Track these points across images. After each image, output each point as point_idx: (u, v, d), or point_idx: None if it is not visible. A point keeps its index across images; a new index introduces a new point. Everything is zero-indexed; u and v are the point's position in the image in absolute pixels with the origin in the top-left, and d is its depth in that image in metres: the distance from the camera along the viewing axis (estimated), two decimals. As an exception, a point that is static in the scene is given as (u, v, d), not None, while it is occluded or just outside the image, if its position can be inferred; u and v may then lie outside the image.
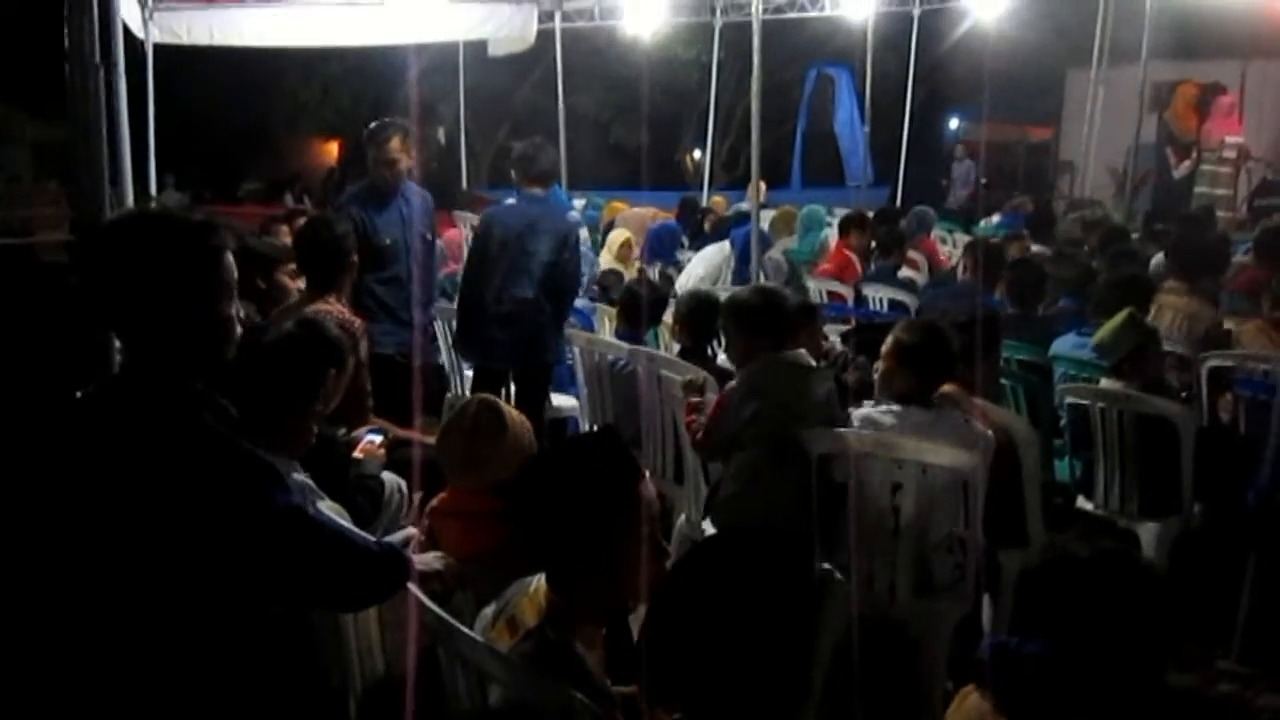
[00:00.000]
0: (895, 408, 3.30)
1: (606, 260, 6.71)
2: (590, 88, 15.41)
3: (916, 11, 12.72)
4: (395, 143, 4.59)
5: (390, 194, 4.60)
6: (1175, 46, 12.77)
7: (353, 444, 3.10)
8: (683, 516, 3.71)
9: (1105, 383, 4.00)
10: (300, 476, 2.41)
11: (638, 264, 6.79)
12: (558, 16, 11.37)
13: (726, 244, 6.73)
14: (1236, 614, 3.75)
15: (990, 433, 3.28)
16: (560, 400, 5.08)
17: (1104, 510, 3.96)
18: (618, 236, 6.86)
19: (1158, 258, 6.86)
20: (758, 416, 3.29)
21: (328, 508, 2.30)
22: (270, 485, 1.84)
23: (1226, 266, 5.90)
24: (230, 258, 1.88)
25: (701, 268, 6.63)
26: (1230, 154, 11.93)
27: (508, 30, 10.32)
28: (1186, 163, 12.55)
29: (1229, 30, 12.77)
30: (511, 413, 2.50)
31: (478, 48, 11.57)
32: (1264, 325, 4.65)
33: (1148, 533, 3.82)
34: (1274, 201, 10.56)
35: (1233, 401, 4.51)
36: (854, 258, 6.99)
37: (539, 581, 1.87)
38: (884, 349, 3.39)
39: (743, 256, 6.42)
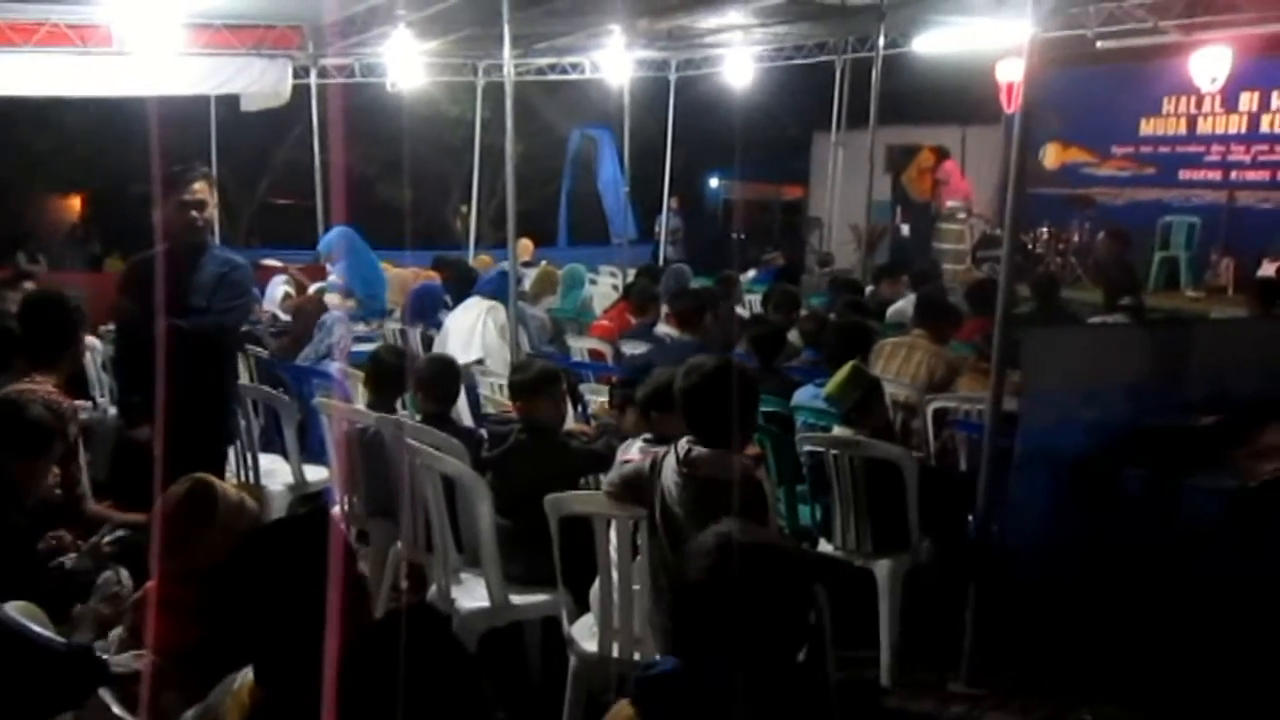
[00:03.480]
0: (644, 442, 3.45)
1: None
2: (355, 144, 15.16)
3: (673, 77, 13.34)
4: (200, 185, 4.06)
5: (187, 256, 4.04)
6: (906, 112, 13.99)
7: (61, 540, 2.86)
8: (434, 586, 3.65)
9: (838, 430, 4.25)
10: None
11: (396, 327, 6.68)
12: (313, 73, 11.16)
13: (477, 298, 6.71)
14: (963, 639, 4.05)
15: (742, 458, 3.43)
16: (313, 472, 4.90)
17: (842, 551, 4.19)
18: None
19: (895, 306, 7.42)
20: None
21: (16, 608, 2.11)
22: None
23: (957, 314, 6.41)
24: None
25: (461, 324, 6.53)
26: (962, 214, 13.15)
27: (259, 86, 10.09)
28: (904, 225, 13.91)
29: (950, 98, 14.13)
30: (228, 493, 2.37)
31: (232, 101, 11.21)
32: (974, 373, 5.09)
33: (882, 569, 4.07)
34: (993, 254, 11.60)
35: (954, 440, 4.91)
36: (632, 319, 7.11)
37: (244, 677, 1.77)
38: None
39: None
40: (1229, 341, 5.62)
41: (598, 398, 5.20)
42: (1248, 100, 12.42)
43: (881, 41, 9.91)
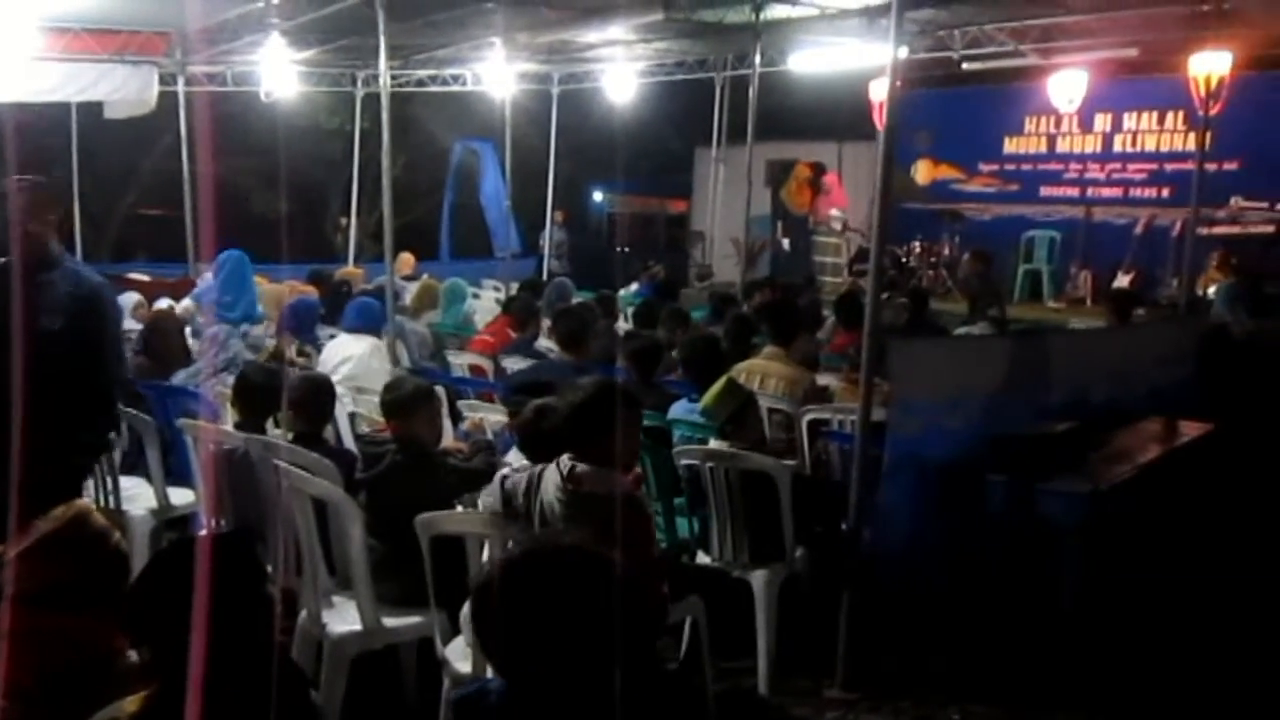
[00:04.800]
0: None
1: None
2: (229, 154, 14.71)
3: (555, 90, 13.36)
4: (41, 198, 3.77)
5: (30, 274, 3.67)
6: (785, 128, 14.31)
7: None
8: (305, 611, 3.55)
9: (714, 443, 4.30)
10: None
11: (273, 343, 6.47)
12: (180, 80, 10.78)
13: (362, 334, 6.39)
14: (838, 645, 4.14)
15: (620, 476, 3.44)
16: (179, 495, 4.72)
17: (719, 562, 4.23)
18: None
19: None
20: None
21: None
22: None
23: (818, 328, 6.54)
24: None
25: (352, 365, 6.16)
26: (837, 225, 13.50)
27: (123, 93, 9.76)
28: (785, 240, 14.23)
29: (827, 115, 14.54)
30: (103, 523, 2.26)
31: (96, 108, 10.76)
32: (847, 385, 5.22)
33: (758, 579, 4.12)
34: (868, 267, 11.92)
35: (827, 451, 5.02)
36: (513, 334, 7.01)
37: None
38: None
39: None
40: (1085, 350, 5.92)
41: (475, 414, 5.15)
42: (1102, 121, 13.13)
43: (758, 59, 10.12)
